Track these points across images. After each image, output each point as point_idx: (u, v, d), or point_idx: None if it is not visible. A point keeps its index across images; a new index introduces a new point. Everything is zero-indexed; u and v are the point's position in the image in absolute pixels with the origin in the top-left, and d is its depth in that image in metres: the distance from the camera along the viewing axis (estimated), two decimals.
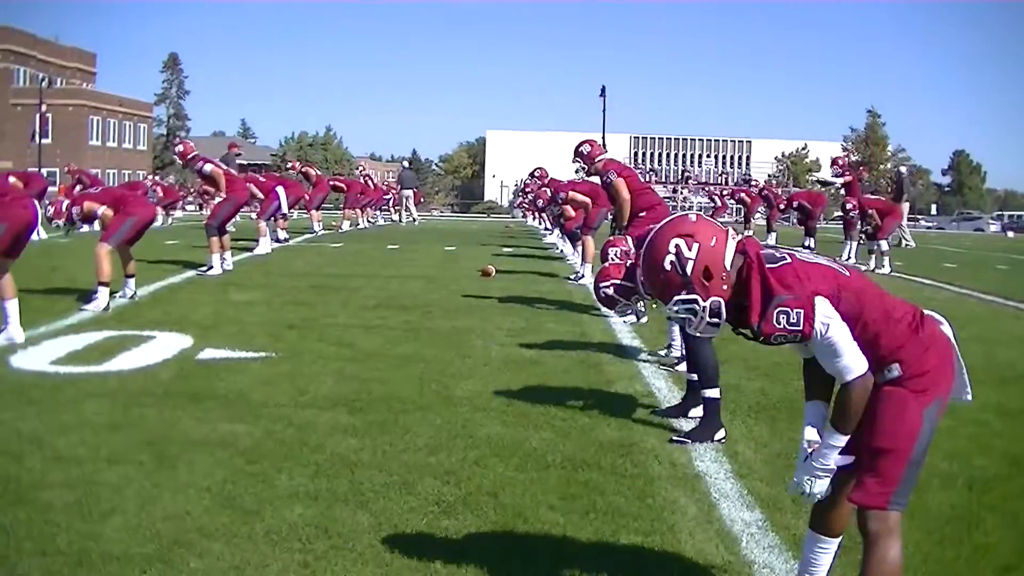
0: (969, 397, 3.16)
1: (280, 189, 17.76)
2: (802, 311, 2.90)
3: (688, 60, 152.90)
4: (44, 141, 55.65)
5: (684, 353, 6.65)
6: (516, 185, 40.63)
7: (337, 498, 4.46)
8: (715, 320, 3.05)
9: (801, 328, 2.91)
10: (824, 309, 2.92)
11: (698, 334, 3.16)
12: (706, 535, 4.19)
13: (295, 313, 9.94)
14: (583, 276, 13.65)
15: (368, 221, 30.39)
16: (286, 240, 19.99)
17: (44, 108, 55.44)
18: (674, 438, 5.64)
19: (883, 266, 16.77)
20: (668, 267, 3.01)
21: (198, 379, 6.74)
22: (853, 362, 2.94)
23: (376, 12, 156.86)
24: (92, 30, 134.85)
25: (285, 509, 4.30)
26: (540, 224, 29.02)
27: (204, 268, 13.49)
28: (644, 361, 7.94)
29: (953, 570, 3.94)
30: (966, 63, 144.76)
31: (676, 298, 3.03)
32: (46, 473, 4.69)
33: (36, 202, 8.53)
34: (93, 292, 9.81)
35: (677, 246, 3.00)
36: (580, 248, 14.70)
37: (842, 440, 3.03)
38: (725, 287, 3.02)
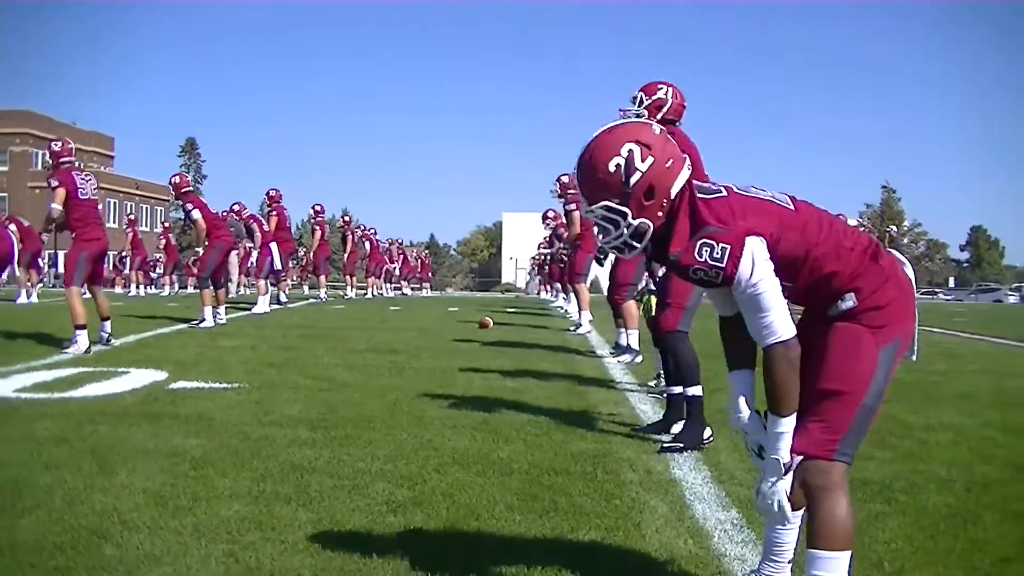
0: (914, 357, 2.83)
1: (273, 245, 17.53)
2: (728, 248, 2.58)
3: (697, 137, 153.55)
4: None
5: (664, 370, 6.33)
6: (533, 260, 40.28)
7: (279, 498, 4.15)
8: (634, 244, 2.74)
9: (723, 266, 2.59)
10: (755, 251, 2.60)
11: (608, 248, 2.82)
12: (675, 532, 3.85)
13: (279, 356, 9.66)
14: (581, 324, 13.32)
15: (377, 292, 30.17)
16: (286, 303, 19.77)
17: None
18: (665, 445, 5.34)
19: None
20: (612, 170, 2.68)
21: (162, 403, 6.47)
22: (778, 322, 2.60)
23: (393, 97, 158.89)
24: (110, 114, 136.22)
25: (221, 507, 4.00)
26: (554, 296, 28.71)
27: (196, 321, 13.27)
28: (632, 391, 7.63)
29: (947, 561, 3.58)
30: (982, 137, 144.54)
31: (604, 203, 2.70)
32: None
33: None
34: (73, 336, 9.59)
35: (631, 152, 2.68)
36: (574, 298, 14.42)
37: (787, 424, 2.64)
38: (660, 214, 2.71)
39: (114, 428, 5.59)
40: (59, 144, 10.39)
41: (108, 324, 10.27)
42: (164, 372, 8.03)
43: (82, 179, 10.11)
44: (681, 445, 5.29)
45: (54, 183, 10.03)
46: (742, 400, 2.83)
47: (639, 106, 8.33)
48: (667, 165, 2.70)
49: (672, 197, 2.71)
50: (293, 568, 3.30)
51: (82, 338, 9.53)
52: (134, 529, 3.67)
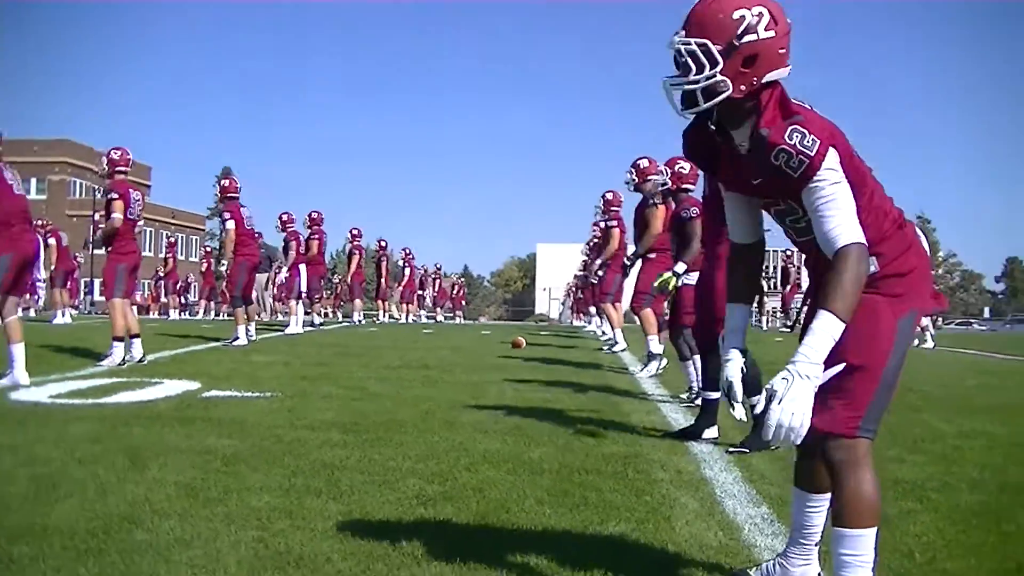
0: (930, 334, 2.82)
1: (302, 267, 17.54)
2: (818, 141, 2.50)
3: None
4: (97, 252, 56.68)
5: (702, 376, 6.31)
6: (567, 288, 40.19)
7: (310, 492, 4.17)
8: (699, 100, 2.58)
9: (812, 154, 2.49)
10: (836, 161, 2.54)
11: (672, 86, 2.60)
12: (705, 525, 3.83)
13: (312, 370, 9.69)
14: (616, 343, 13.24)
15: (412, 318, 30.21)
16: (319, 325, 19.88)
17: (97, 218, 56.61)
18: (730, 449, 5.40)
19: (925, 341, 16.31)
20: (735, 17, 2.53)
21: (195, 409, 6.50)
22: (853, 224, 2.51)
23: (428, 130, 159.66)
24: (149, 143, 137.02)
25: (251, 498, 4.02)
26: (586, 322, 28.61)
27: (230, 340, 13.33)
28: (664, 401, 7.60)
29: (979, 553, 3.55)
30: (1019, 168, 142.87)
31: (705, 43, 2.54)
32: (14, 471, 4.46)
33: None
34: (109, 348, 9.68)
35: (761, 14, 2.53)
36: (606, 318, 14.36)
37: (835, 328, 2.45)
38: (743, 88, 2.56)
39: (147, 429, 5.63)
40: (118, 153, 10.30)
41: (138, 342, 10.06)
42: (197, 383, 8.08)
43: (134, 197, 10.16)
44: (747, 450, 5.30)
45: (114, 195, 10.01)
46: (736, 334, 2.92)
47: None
48: (780, 51, 2.58)
49: (763, 82, 2.59)
50: (322, 553, 3.30)
51: (118, 350, 9.61)
52: (165, 516, 3.69)
